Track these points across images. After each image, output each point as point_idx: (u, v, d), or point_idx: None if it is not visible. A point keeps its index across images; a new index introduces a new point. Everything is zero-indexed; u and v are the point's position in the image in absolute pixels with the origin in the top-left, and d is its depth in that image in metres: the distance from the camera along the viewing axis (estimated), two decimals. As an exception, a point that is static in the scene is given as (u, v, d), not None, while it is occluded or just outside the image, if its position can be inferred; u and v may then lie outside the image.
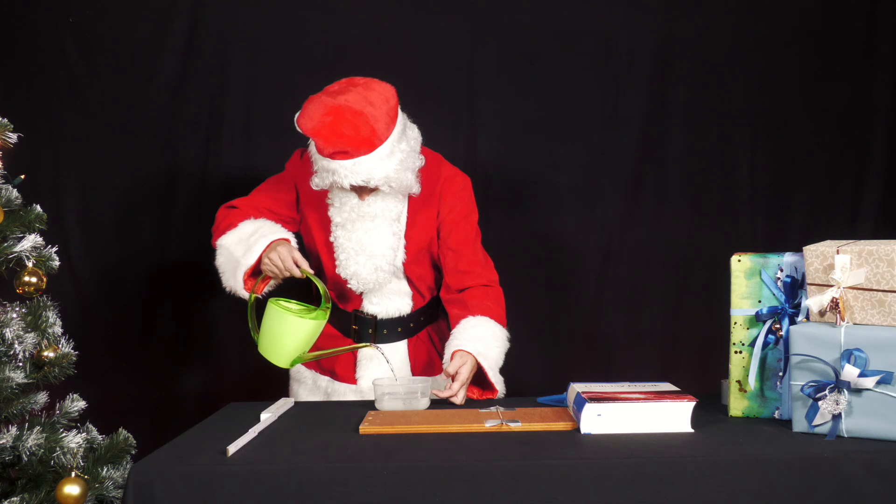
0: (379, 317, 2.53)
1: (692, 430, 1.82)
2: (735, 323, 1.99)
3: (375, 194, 2.43)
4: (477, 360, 2.31)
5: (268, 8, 3.38)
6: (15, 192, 2.48)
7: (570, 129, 3.43)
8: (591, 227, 3.47)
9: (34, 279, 2.42)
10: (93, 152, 3.38)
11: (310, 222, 2.55)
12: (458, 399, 2.25)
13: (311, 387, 2.60)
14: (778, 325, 1.94)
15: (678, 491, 1.60)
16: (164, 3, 3.36)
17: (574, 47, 3.43)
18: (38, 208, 2.51)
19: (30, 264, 2.42)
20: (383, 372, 2.46)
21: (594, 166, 3.46)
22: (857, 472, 1.62)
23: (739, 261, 1.99)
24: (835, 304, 1.80)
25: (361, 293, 2.53)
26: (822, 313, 1.84)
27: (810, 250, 1.86)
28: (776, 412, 1.95)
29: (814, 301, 1.84)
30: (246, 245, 2.41)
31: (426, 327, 2.61)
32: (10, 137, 2.42)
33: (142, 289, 3.41)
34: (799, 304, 1.92)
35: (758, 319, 1.96)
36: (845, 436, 1.75)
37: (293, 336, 2.26)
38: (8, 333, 2.36)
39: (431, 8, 3.37)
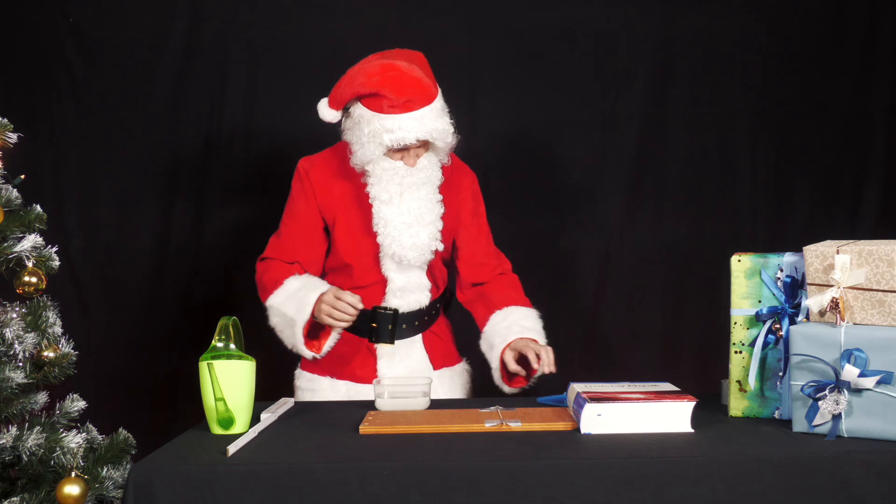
0: (400, 311, 2.49)
1: (692, 430, 1.82)
2: (735, 323, 1.99)
3: (423, 159, 2.46)
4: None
5: (268, 8, 3.38)
6: (15, 192, 2.48)
7: (570, 129, 3.43)
8: (591, 227, 3.47)
9: (34, 279, 2.42)
10: (93, 152, 3.38)
11: (338, 222, 2.53)
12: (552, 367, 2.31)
13: (326, 395, 2.54)
14: (778, 325, 1.94)
15: (678, 491, 1.60)
16: (164, 3, 3.36)
17: (574, 47, 3.44)
18: (38, 208, 2.51)
19: (30, 264, 2.42)
20: (404, 367, 2.48)
21: (594, 166, 3.46)
22: (857, 472, 1.62)
23: (739, 261, 1.99)
24: (835, 304, 1.80)
25: (386, 289, 2.51)
26: (822, 313, 1.84)
27: (810, 250, 1.86)
28: (776, 412, 1.95)
29: (814, 301, 1.84)
30: (296, 301, 2.41)
31: (436, 321, 2.62)
32: (10, 137, 2.42)
33: (142, 289, 3.41)
34: (799, 304, 1.92)
35: (758, 319, 1.96)
36: (845, 436, 1.75)
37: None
38: (8, 333, 2.35)
39: (431, 8, 3.37)
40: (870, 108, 3.46)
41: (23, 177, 2.53)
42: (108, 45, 3.35)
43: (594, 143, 3.46)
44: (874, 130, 3.47)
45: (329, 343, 2.46)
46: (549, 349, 2.34)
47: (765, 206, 3.48)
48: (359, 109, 2.43)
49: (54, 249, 2.50)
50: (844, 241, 1.88)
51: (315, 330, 2.45)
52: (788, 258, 1.95)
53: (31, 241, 2.43)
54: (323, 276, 2.57)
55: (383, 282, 2.51)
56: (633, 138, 3.47)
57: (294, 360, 3.35)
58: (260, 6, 3.38)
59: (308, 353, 2.45)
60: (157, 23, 3.36)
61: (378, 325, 2.46)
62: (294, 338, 2.43)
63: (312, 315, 2.38)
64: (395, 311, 2.45)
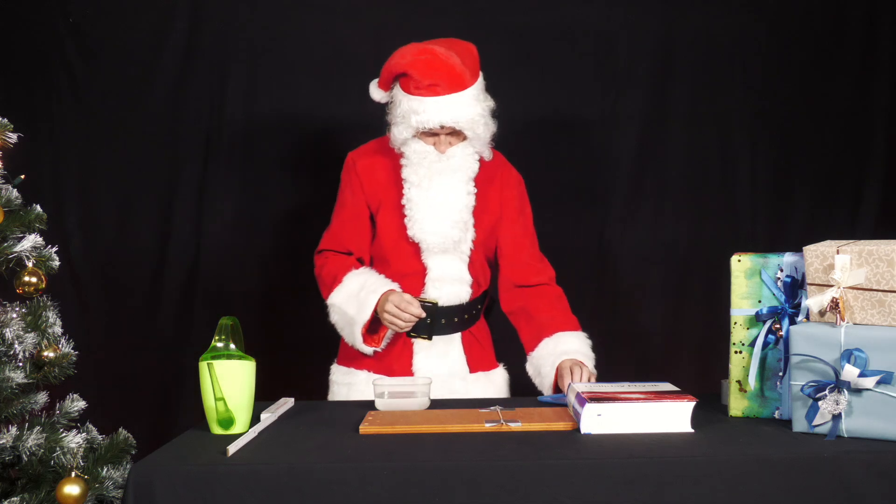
0: (440, 303, 2.49)
1: (692, 430, 1.82)
2: (735, 323, 1.99)
3: (455, 148, 2.48)
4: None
5: (268, 8, 3.38)
6: (15, 192, 2.48)
7: (570, 129, 3.43)
8: (591, 227, 3.47)
9: (34, 279, 2.42)
10: (93, 152, 3.38)
11: (382, 207, 2.55)
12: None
13: (362, 388, 2.52)
14: (778, 325, 1.94)
15: (678, 491, 1.60)
16: (164, 3, 3.36)
17: (574, 47, 3.44)
18: (38, 208, 2.51)
19: (30, 264, 2.42)
20: (440, 365, 2.49)
21: (594, 166, 3.46)
22: (857, 472, 1.62)
23: (739, 261, 1.99)
24: (835, 304, 1.80)
25: (426, 279, 2.51)
26: (822, 313, 1.84)
27: (810, 250, 1.86)
28: (776, 412, 1.95)
29: (814, 301, 1.84)
30: (357, 302, 2.45)
31: (476, 322, 2.62)
32: (10, 137, 2.42)
33: (142, 289, 3.41)
34: (799, 304, 1.92)
35: (758, 319, 1.96)
36: (845, 436, 1.75)
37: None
38: (8, 333, 2.35)
39: (431, 8, 3.37)
40: (870, 108, 3.46)
41: (23, 177, 2.53)
42: (108, 45, 3.35)
43: (594, 143, 3.46)
44: (874, 130, 3.47)
45: (387, 337, 2.50)
46: (589, 373, 2.35)
47: (765, 206, 3.48)
48: (396, 89, 2.49)
49: (54, 249, 2.50)
50: (844, 241, 1.88)
51: (373, 326, 2.49)
52: (788, 258, 1.95)
53: (31, 241, 2.43)
54: (371, 262, 2.60)
55: (422, 272, 2.52)
56: (633, 138, 3.47)
57: (294, 360, 3.37)
58: (260, 6, 3.38)
59: (368, 350, 2.49)
60: (157, 23, 3.36)
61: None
62: (353, 336, 2.48)
63: (373, 314, 2.42)
64: (435, 303, 2.45)
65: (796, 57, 3.46)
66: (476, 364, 2.59)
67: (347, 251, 2.58)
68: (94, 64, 3.36)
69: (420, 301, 2.44)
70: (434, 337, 2.47)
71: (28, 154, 2.67)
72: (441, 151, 2.47)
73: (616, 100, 3.45)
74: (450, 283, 2.52)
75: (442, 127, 2.43)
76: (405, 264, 2.53)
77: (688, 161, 3.47)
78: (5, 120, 2.44)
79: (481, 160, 2.54)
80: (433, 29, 3.43)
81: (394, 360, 2.53)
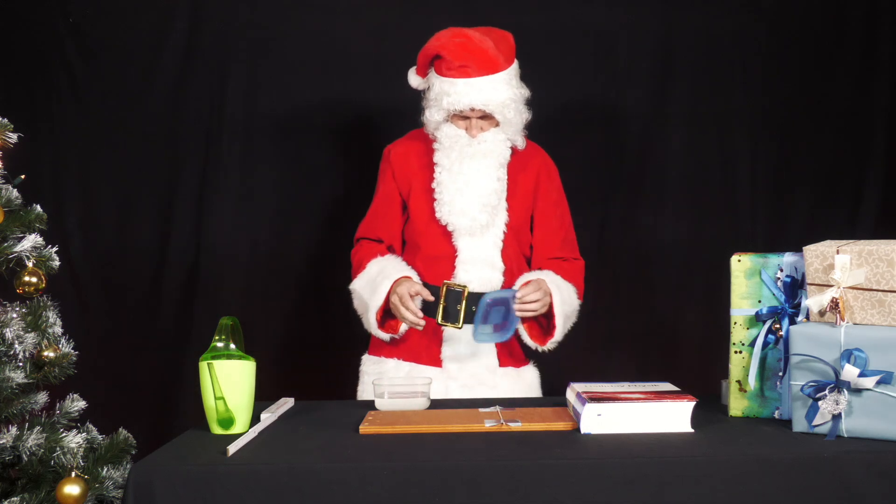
0: (470, 288, 2.45)
1: (692, 430, 1.82)
2: (735, 323, 1.99)
3: (486, 133, 2.50)
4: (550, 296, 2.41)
5: (268, 8, 3.38)
6: (15, 192, 2.48)
7: (569, 129, 3.43)
8: (591, 227, 3.47)
9: (34, 279, 2.42)
10: (93, 152, 3.38)
11: (413, 190, 2.58)
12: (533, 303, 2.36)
13: (391, 377, 2.48)
14: (778, 325, 1.94)
15: (678, 491, 1.60)
16: (164, 3, 3.36)
17: (574, 47, 3.44)
18: (38, 208, 2.51)
19: (30, 264, 2.42)
20: (468, 355, 2.49)
21: (594, 165, 3.46)
22: (857, 472, 1.62)
23: (739, 261, 1.99)
24: (835, 304, 1.80)
25: (456, 262, 2.51)
26: (822, 313, 1.84)
27: (810, 250, 1.86)
28: (776, 412, 1.95)
29: (814, 301, 1.84)
30: (372, 287, 2.48)
31: None
32: (10, 137, 2.42)
33: (142, 289, 3.41)
34: (799, 304, 1.92)
35: (758, 319, 1.96)
36: (845, 436, 1.75)
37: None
38: (8, 333, 2.35)
39: (431, 8, 3.37)
40: (870, 108, 3.46)
41: (23, 177, 2.53)
42: (108, 45, 3.35)
43: (594, 143, 3.45)
44: (874, 130, 3.47)
45: (405, 325, 2.50)
46: (541, 294, 2.39)
47: (765, 206, 3.48)
48: (431, 72, 2.54)
49: (54, 249, 2.50)
50: (844, 241, 1.88)
51: (391, 312, 2.49)
52: (788, 258, 1.95)
53: (31, 241, 2.43)
54: (403, 247, 2.62)
55: (453, 255, 2.52)
56: (633, 138, 3.46)
57: (294, 360, 3.37)
58: (260, 6, 3.38)
59: (384, 336, 2.50)
60: (157, 23, 3.36)
61: (447, 303, 2.45)
62: (368, 323, 2.51)
63: (387, 300, 2.44)
64: (465, 288, 2.43)
65: (796, 57, 3.45)
66: (506, 358, 2.58)
67: (378, 239, 2.62)
68: (94, 64, 3.36)
69: (449, 286, 2.44)
70: (465, 326, 2.44)
71: (28, 154, 2.67)
72: (472, 136, 2.50)
73: (616, 100, 3.45)
74: (480, 266, 2.52)
75: (472, 109, 2.46)
76: (435, 247, 2.54)
77: (688, 161, 3.47)
78: (5, 120, 2.44)
79: (514, 148, 2.57)
80: (433, 29, 3.43)
81: (423, 349, 2.54)
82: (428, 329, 2.50)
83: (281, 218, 3.44)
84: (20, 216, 2.46)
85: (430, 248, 2.54)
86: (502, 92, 2.46)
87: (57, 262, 2.50)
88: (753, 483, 1.61)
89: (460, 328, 2.45)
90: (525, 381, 2.61)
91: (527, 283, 2.42)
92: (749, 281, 1.97)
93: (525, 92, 2.55)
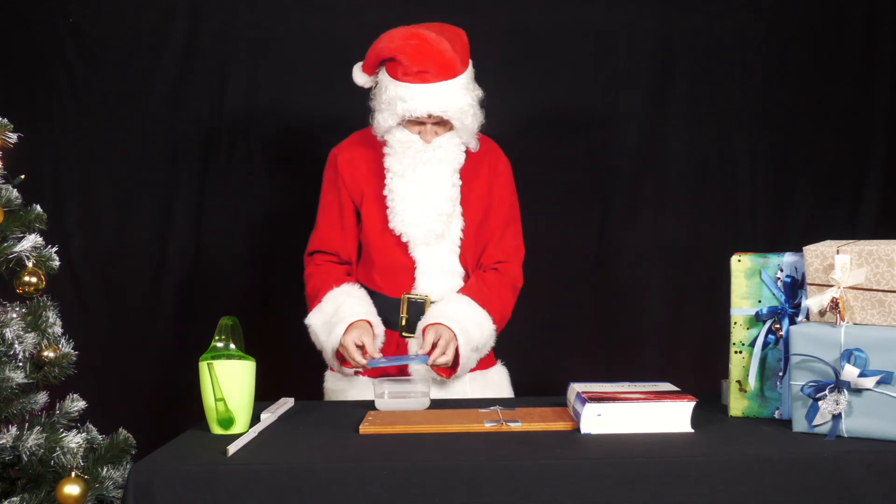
0: (432, 297, 2.42)
1: (692, 430, 1.82)
2: (735, 323, 1.99)
3: (441, 138, 2.40)
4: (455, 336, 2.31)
5: (268, 8, 3.38)
6: (15, 192, 2.48)
7: (570, 129, 3.43)
8: (591, 227, 3.47)
9: (34, 279, 2.42)
10: (93, 152, 3.38)
11: (365, 199, 2.48)
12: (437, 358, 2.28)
13: (357, 393, 2.48)
14: (778, 325, 1.94)
15: (678, 491, 1.60)
16: (164, 3, 3.36)
17: (574, 47, 3.44)
18: (38, 208, 2.51)
19: (30, 264, 2.41)
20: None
21: (594, 166, 3.46)
22: (857, 472, 1.62)
23: (739, 261, 1.99)
24: (835, 304, 1.80)
25: (415, 273, 2.44)
26: (822, 313, 1.84)
27: (810, 250, 1.86)
28: (776, 412, 1.95)
29: (814, 301, 1.84)
30: (328, 329, 2.39)
31: None
32: (10, 137, 2.42)
33: (142, 288, 3.41)
34: (799, 304, 1.92)
35: (758, 319, 1.96)
36: (845, 436, 1.75)
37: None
38: (8, 333, 2.35)
39: (431, 8, 3.36)
40: (870, 108, 3.46)
41: (23, 177, 2.53)
42: (108, 45, 3.36)
43: (594, 143, 3.46)
44: (874, 130, 3.47)
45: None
46: (449, 344, 2.29)
47: (765, 206, 3.48)
48: (382, 75, 2.41)
49: (54, 249, 2.50)
50: (844, 241, 1.88)
51: None
52: (788, 258, 1.95)
53: (31, 241, 2.43)
54: (359, 259, 2.54)
55: (411, 266, 2.45)
56: (633, 138, 3.47)
57: (294, 360, 3.36)
58: (260, 6, 3.39)
59: (348, 371, 2.44)
60: (157, 23, 3.36)
61: (409, 315, 2.43)
62: (329, 362, 2.45)
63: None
64: (426, 299, 2.41)
65: (796, 57, 3.45)
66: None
67: (335, 253, 2.52)
68: (94, 64, 3.36)
69: (410, 298, 2.42)
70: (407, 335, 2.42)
71: (28, 154, 2.67)
72: (427, 141, 2.40)
73: (616, 100, 3.45)
74: (440, 275, 2.45)
75: (429, 116, 2.35)
76: (392, 258, 2.46)
77: (688, 161, 3.47)
78: (5, 120, 2.44)
79: (468, 151, 2.47)
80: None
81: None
82: (392, 342, 2.46)
83: (281, 218, 3.44)
84: (20, 216, 2.46)
85: (387, 259, 2.46)
86: (460, 98, 2.34)
87: (57, 262, 2.50)
88: (753, 483, 1.61)
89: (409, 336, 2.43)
90: (493, 383, 2.54)
91: (433, 344, 2.31)
92: (749, 281, 1.97)
93: (480, 93, 2.43)
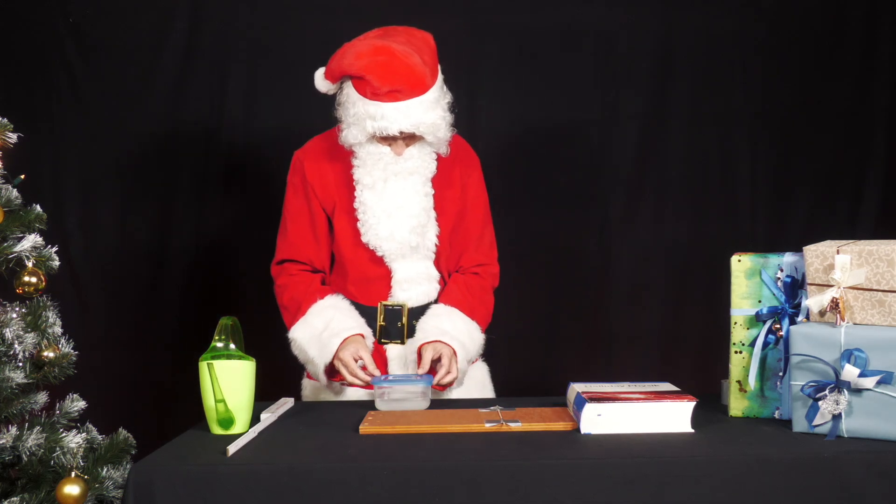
0: (409, 305, 2.40)
1: (692, 430, 1.82)
2: (735, 323, 1.99)
3: (412, 149, 2.34)
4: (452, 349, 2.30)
5: (268, 8, 3.38)
6: (15, 192, 2.48)
7: (570, 129, 3.43)
8: (591, 227, 3.47)
9: (34, 279, 2.42)
10: (93, 152, 3.38)
11: (337, 209, 2.43)
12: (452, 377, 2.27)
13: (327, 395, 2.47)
14: (778, 325, 1.94)
15: (678, 491, 1.60)
16: (164, 3, 3.36)
17: (574, 47, 3.44)
18: (38, 208, 2.51)
19: (30, 264, 2.42)
20: (416, 367, 2.36)
21: (594, 166, 3.46)
22: (857, 472, 1.62)
23: (739, 261, 1.99)
24: (835, 304, 1.80)
25: (391, 282, 2.40)
26: (822, 313, 1.84)
27: (810, 250, 1.86)
28: (776, 412, 1.95)
29: (814, 301, 1.84)
30: (319, 344, 2.33)
31: None
32: (10, 137, 2.42)
33: (142, 288, 3.41)
34: (799, 304, 1.92)
35: (758, 319, 1.96)
36: (845, 436, 1.75)
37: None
38: (8, 333, 2.35)
39: (431, 8, 3.37)
40: (870, 108, 3.46)
41: (23, 177, 2.53)
42: (108, 45, 3.36)
43: (594, 143, 3.46)
44: (874, 130, 3.47)
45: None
46: (452, 362, 2.28)
47: (765, 206, 3.48)
48: (348, 88, 2.33)
49: (54, 249, 2.50)
50: (844, 241, 1.88)
51: None
52: (788, 258, 1.95)
53: (31, 241, 2.43)
54: (331, 270, 2.49)
55: (386, 275, 2.41)
56: (633, 138, 3.47)
57: (294, 360, 3.35)
58: (260, 6, 3.39)
59: (338, 387, 2.42)
60: (157, 23, 3.36)
61: (386, 322, 2.41)
62: (317, 376, 2.39)
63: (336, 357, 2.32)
64: (403, 306, 2.40)
65: (796, 57, 3.46)
66: None
67: (308, 262, 2.46)
68: (94, 64, 3.36)
69: (387, 306, 2.40)
70: (407, 341, 2.40)
71: (28, 154, 2.67)
72: (398, 153, 2.33)
73: (616, 100, 3.45)
74: (416, 282, 2.42)
75: (401, 133, 2.28)
76: (366, 270, 2.42)
77: (688, 161, 3.47)
78: (5, 120, 2.44)
79: (438, 156, 2.41)
80: (433, 29, 3.43)
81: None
82: (372, 348, 2.40)
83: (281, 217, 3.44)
84: (20, 216, 2.46)
85: (361, 270, 2.42)
86: (432, 112, 2.27)
87: (57, 262, 2.50)
88: (753, 483, 1.61)
89: (404, 344, 2.41)
90: (475, 379, 2.51)
91: (436, 360, 2.30)
92: (749, 281, 1.97)
93: (449, 99, 2.35)
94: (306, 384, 2.58)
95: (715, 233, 3.45)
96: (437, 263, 2.46)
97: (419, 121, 2.26)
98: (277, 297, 2.50)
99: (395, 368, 2.42)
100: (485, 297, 2.50)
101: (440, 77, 2.35)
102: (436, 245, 2.43)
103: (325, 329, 2.34)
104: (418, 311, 2.42)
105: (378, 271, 2.42)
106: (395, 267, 2.41)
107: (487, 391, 2.57)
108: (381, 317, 2.42)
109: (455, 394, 2.44)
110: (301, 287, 2.44)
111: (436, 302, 2.45)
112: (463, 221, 2.49)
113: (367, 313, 2.43)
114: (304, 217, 2.46)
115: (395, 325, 2.40)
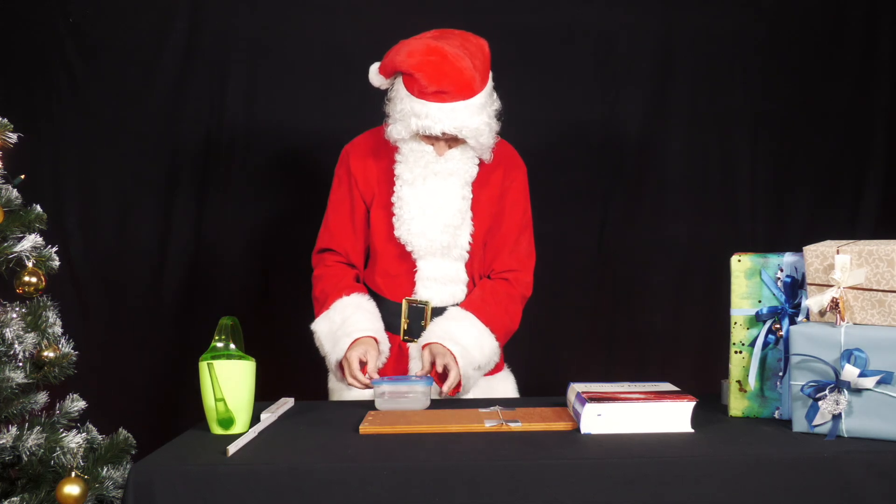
0: (433, 304, 2.41)
1: (692, 430, 1.82)
2: (735, 323, 1.99)
3: (454, 150, 2.38)
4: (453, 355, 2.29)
5: (268, 8, 3.39)
6: (15, 192, 2.48)
7: (570, 129, 3.43)
8: (591, 227, 3.47)
9: (34, 279, 2.42)
10: (93, 152, 3.38)
11: (375, 202, 2.45)
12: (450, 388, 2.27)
13: (359, 394, 2.43)
14: (778, 325, 1.94)
15: (678, 491, 1.60)
16: (164, 3, 3.36)
17: (574, 47, 3.44)
18: (38, 208, 2.51)
19: (30, 264, 2.42)
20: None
21: (594, 166, 3.46)
22: (857, 472, 1.62)
23: (739, 261, 1.99)
24: (835, 304, 1.80)
25: (415, 278, 2.42)
26: (822, 313, 1.84)
27: (810, 250, 1.86)
28: (776, 412, 1.95)
29: (814, 301, 1.84)
30: (333, 340, 2.36)
31: None
32: (10, 137, 2.42)
33: (142, 289, 3.41)
34: (799, 304, 1.92)
35: (758, 319, 1.96)
36: (845, 436, 1.75)
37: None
38: (8, 333, 2.35)
39: (431, 8, 3.37)
40: (870, 108, 3.47)
41: (23, 177, 2.53)
42: (108, 45, 3.36)
43: (594, 143, 3.46)
44: (874, 130, 3.47)
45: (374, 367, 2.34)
46: (450, 367, 2.27)
47: (765, 206, 3.48)
48: (398, 84, 2.36)
49: (54, 249, 2.50)
50: (844, 241, 1.88)
51: None
52: (788, 258, 1.95)
53: (31, 241, 2.43)
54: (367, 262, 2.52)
55: (412, 271, 2.43)
56: (633, 138, 3.47)
57: (294, 360, 3.36)
58: (260, 6, 3.39)
59: (349, 383, 2.40)
60: (157, 23, 3.36)
61: (410, 319, 2.42)
62: (333, 371, 2.42)
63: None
64: (426, 304, 2.40)
65: (796, 57, 3.46)
66: None
67: (345, 253, 2.49)
68: (94, 64, 3.36)
69: (411, 303, 2.41)
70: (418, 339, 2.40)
71: (28, 154, 2.67)
72: (440, 153, 2.37)
73: (616, 100, 3.45)
74: (442, 283, 2.43)
75: (443, 133, 2.32)
76: (395, 264, 2.44)
77: (688, 161, 3.47)
78: (5, 120, 2.44)
79: (481, 162, 2.44)
80: (433, 29, 3.43)
81: (389, 366, 2.43)
82: (394, 346, 2.44)
83: (281, 217, 3.44)
84: (20, 216, 2.46)
85: (390, 264, 2.44)
86: (476, 118, 2.30)
87: (57, 262, 2.50)
88: (753, 483, 1.61)
89: (412, 340, 2.42)
90: (498, 391, 2.51)
91: (432, 363, 2.30)
92: (749, 281, 1.97)
93: (497, 106, 2.40)
94: (332, 376, 2.58)
95: (715, 233, 3.45)
96: (469, 266, 2.47)
97: (462, 124, 2.29)
98: (313, 287, 2.53)
99: (415, 367, 2.43)
100: (510, 306, 2.48)
101: (490, 84, 2.39)
102: (469, 244, 2.44)
103: (340, 327, 2.37)
104: (441, 312, 2.43)
105: (405, 266, 2.44)
106: (422, 265, 2.42)
107: None
108: (406, 314, 2.44)
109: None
110: (333, 280, 2.47)
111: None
112: (499, 225, 2.50)
113: (391, 308, 2.45)
114: (345, 207, 2.50)
115: (418, 323, 2.41)
